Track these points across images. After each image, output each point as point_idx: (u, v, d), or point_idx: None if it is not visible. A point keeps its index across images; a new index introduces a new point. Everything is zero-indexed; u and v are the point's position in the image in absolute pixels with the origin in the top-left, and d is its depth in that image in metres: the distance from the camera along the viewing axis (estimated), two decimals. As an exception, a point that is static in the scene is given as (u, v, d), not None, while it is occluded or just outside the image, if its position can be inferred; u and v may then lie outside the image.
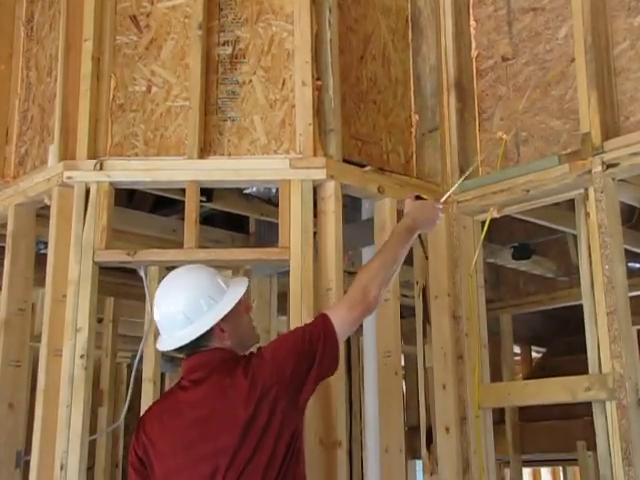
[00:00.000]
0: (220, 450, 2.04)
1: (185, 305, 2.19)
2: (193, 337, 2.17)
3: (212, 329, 2.17)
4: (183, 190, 2.89)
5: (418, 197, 2.66)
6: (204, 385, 2.14)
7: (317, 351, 2.15)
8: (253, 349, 2.25)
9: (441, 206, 2.68)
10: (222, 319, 2.18)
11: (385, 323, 2.99)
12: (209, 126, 2.92)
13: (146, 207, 4.10)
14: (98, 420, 5.20)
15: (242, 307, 2.26)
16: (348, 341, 4.97)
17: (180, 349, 2.21)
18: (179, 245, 2.86)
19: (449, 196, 2.98)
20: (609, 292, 2.74)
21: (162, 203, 4.00)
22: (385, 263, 2.34)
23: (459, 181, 3.07)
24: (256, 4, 3.03)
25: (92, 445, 3.42)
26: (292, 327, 2.70)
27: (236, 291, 2.25)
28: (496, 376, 5.05)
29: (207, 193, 3.48)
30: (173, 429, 2.13)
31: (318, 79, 2.93)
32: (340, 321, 2.21)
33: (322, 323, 2.20)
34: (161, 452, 2.13)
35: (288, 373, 2.10)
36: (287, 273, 2.80)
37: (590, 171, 2.82)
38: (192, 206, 2.84)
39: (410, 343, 3.70)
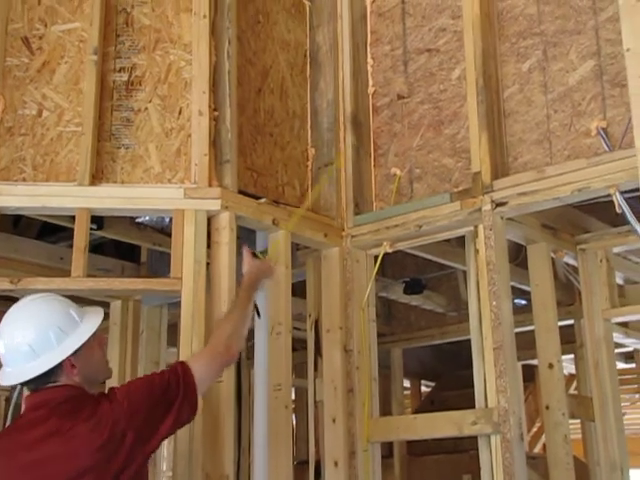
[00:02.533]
0: None
1: (31, 337, 2.04)
2: (39, 372, 2.04)
3: (61, 364, 2.05)
4: (72, 217, 2.81)
5: (254, 254, 2.70)
6: (42, 427, 1.99)
7: (176, 399, 2.11)
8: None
9: (274, 265, 2.78)
10: (73, 354, 2.06)
11: (276, 356, 2.97)
12: (102, 153, 2.85)
13: (32, 233, 3.96)
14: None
15: (95, 341, 2.15)
16: (238, 374, 4.91)
17: (26, 384, 2.07)
18: (66, 273, 2.77)
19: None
20: (496, 328, 2.80)
21: (49, 229, 3.88)
22: (242, 317, 2.43)
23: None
24: (154, 32, 2.99)
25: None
26: (182, 359, 2.65)
27: (90, 324, 2.13)
28: (386, 410, 5.09)
29: (98, 221, 3.39)
30: (5, 472, 1.99)
31: (215, 110, 2.92)
32: (200, 371, 2.20)
33: (181, 371, 2.17)
34: None
35: (141, 418, 2.02)
36: (178, 303, 2.75)
37: (480, 209, 2.90)
38: (81, 234, 2.75)
39: (301, 376, 3.69)
